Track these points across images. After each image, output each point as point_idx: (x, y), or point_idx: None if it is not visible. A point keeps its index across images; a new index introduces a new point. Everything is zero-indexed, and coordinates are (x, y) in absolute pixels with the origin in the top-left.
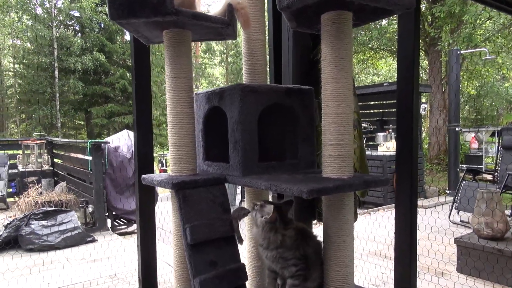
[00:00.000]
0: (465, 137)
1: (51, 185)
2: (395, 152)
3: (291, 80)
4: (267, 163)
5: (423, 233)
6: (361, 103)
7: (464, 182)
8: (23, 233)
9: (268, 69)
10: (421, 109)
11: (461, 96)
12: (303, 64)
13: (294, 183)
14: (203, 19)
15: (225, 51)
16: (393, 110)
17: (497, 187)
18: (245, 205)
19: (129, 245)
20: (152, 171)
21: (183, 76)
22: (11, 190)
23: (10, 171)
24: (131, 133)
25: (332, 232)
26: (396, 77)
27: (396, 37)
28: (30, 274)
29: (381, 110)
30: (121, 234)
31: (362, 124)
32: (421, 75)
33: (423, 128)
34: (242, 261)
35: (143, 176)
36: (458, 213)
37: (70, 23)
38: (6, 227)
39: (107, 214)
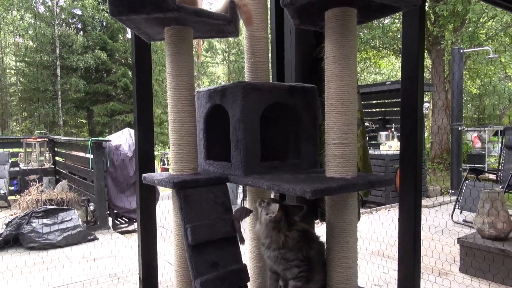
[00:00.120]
0: (467, 136)
1: (52, 183)
2: (398, 151)
3: (293, 78)
4: (269, 162)
5: (426, 233)
6: (363, 102)
7: (467, 181)
8: (24, 232)
9: (270, 67)
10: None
11: (463, 95)
12: (305, 62)
13: (297, 183)
14: (205, 16)
15: (227, 49)
16: (395, 109)
17: (501, 186)
18: (247, 204)
19: (130, 244)
20: (153, 169)
21: (184, 74)
22: (12, 188)
23: (11, 169)
24: (133, 132)
25: (335, 232)
26: (400, 76)
27: (399, 36)
28: (31, 273)
29: (383, 109)
30: (122, 233)
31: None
32: (424, 74)
33: (425, 127)
34: (244, 262)
35: (144, 175)
36: (461, 213)
37: (72, 21)
38: (7, 225)
39: (108, 212)
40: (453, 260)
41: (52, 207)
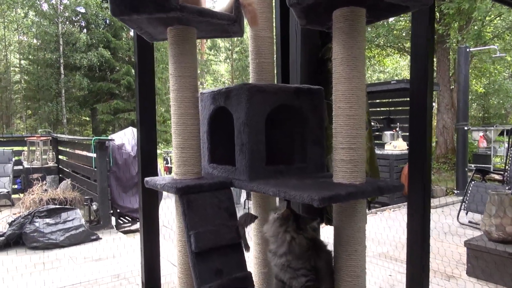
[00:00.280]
0: (473, 135)
1: (55, 182)
2: (403, 151)
3: (299, 79)
4: (275, 166)
5: (431, 234)
6: (368, 101)
7: (473, 182)
8: (27, 231)
9: (275, 68)
10: None
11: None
12: (311, 63)
13: (304, 189)
14: (209, 15)
15: (230, 47)
16: (400, 108)
17: (507, 188)
18: (250, 204)
19: (134, 244)
20: (155, 169)
21: (187, 75)
22: (16, 186)
23: (15, 167)
24: (136, 131)
25: (343, 240)
26: (404, 74)
27: (404, 34)
28: (34, 273)
29: (388, 108)
30: (125, 232)
31: None
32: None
33: None
34: (248, 269)
35: (146, 179)
36: (466, 214)
37: (76, 19)
38: (10, 224)
39: (111, 212)
40: (460, 262)
41: (55, 206)
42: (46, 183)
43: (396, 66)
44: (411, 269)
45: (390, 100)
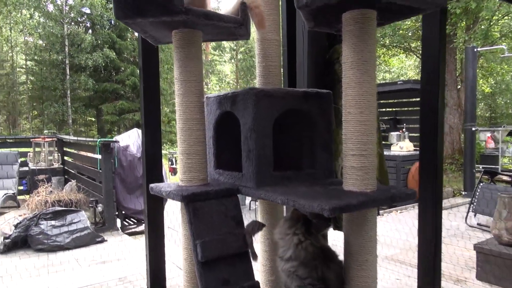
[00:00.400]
0: (480, 136)
1: (61, 183)
2: (409, 152)
3: (305, 82)
4: (283, 172)
5: None
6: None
7: (481, 184)
8: (32, 233)
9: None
10: None
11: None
12: (318, 65)
13: (314, 198)
14: (215, 18)
15: (235, 47)
16: (406, 109)
17: None
18: (256, 204)
19: (139, 246)
20: (160, 172)
21: (193, 80)
22: (22, 187)
23: (21, 168)
24: (141, 132)
25: (353, 249)
26: (410, 75)
27: (410, 34)
28: (40, 276)
29: (394, 109)
30: (130, 234)
31: None
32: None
33: None
34: (256, 278)
35: (151, 185)
36: (475, 216)
37: (81, 20)
38: (16, 226)
39: (116, 213)
40: (469, 266)
41: (61, 208)
42: (51, 185)
43: (401, 66)
44: (423, 276)
45: (397, 100)
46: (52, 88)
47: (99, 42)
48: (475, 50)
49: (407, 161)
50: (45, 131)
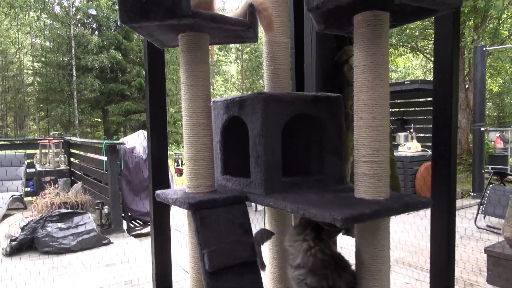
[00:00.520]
0: (489, 136)
1: (67, 185)
2: (417, 153)
3: (314, 84)
4: (292, 178)
5: None
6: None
7: (491, 185)
8: (39, 236)
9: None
10: None
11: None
12: (327, 66)
13: (325, 207)
14: (222, 21)
15: (240, 48)
16: (413, 109)
17: None
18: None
19: (145, 248)
20: (166, 175)
21: (200, 84)
22: (29, 189)
23: (27, 170)
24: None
25: (365, 259)
26: (417, 74)
27: (417, 33)
28: (46, 278)
29: (402, 109)
30: (136, 236)
31: None
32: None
33: None
34: (264, 287)
35: (157, 192)
36: (484, 218)
37: (88, 21)
38: (22, 229)
39: (123, 215)
40: (479, 269)
41: (67, 210)
42: (58, 186)
43: (408, 66)
44: (436, 282)
45: (404, 100)
46: (59, 89)
47: (105, 43)
48: (484, 49)
49: (414, 162)
50: (52, 133)
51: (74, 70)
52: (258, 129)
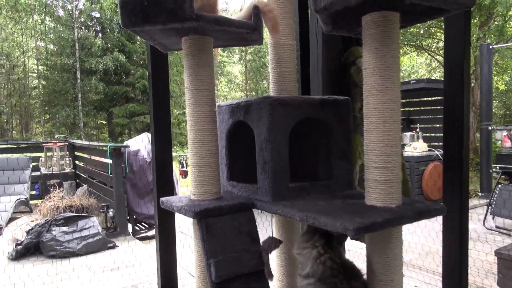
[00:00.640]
0: (497, 135)
1: (72, 188)
2: (423, 153)
3: (320, 86)
4: (299, 184)
5: None
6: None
7: (500, 185)
8: (44, 240)
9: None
10: None
11: None
12: (333, 68)
13: (335, 216)
14: (226, 24)
15: (243, 48)
16: (419, 108)
17: None
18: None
19: (150, 252)
20: (170, 178)
21: (204, 88)
22: (34, 192)
23: (33, 173)
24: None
25: (377, 269)
26: (422, 73)
27: (422, 32)
28: (52, 283)
29: (407, 109)
30: (142, 239)
31: None
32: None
33: None
34: None
35: (162, 199)
36: (493, 219)
37: (91, 24)
38: (28, 233)
39: (128, 218)
40: (487, 271)
41: (72, 214)
42: (63, 189)
43: (413, 65)
44: (448, 281)
45: (409, 100)
46: (64, 92)
47: (109, 45)
48: (490, 47)
49: (421, 162)
50: (57, 135)
51: (78, 72)
52: (264, 134)
